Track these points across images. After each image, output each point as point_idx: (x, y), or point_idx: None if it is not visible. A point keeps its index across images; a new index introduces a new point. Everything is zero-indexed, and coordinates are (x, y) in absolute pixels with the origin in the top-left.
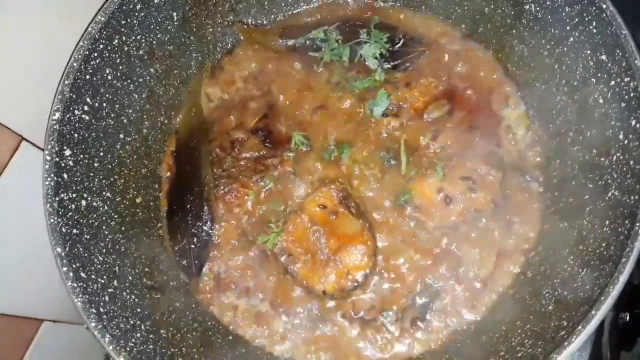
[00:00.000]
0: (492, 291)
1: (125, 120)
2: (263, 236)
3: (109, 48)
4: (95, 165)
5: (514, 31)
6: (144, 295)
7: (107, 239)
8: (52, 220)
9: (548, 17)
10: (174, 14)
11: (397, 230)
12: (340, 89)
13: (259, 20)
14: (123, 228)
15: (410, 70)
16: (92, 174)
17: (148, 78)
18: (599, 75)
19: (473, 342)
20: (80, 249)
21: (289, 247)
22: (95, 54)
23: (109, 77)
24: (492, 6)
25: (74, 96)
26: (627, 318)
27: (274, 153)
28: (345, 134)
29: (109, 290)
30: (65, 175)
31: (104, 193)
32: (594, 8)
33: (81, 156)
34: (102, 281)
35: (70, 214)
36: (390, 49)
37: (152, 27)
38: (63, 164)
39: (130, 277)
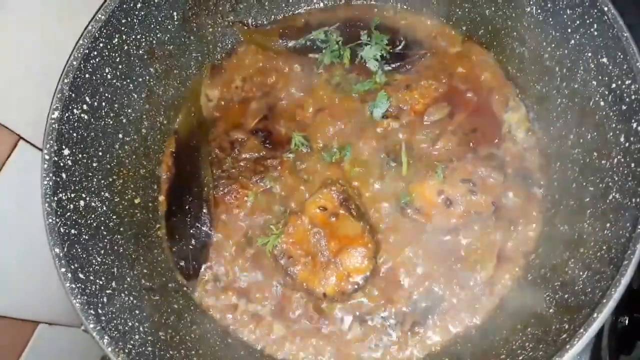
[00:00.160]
0: (493, 294)
1: (124, 120)
2: (263, 238)
3: (109, 47)
4: (94, 165)
5: (515, 33)
6: (143, 297)
7: (106, 240)
8: (50, 220)
9: (549, 20)
10: (175, 13)
11: (398, 232)
12: (340, 90)
13: (260, 20)
14: (121, 229)
15: (410, 72)
16: (90, 174)
17: (148, 78)
18: (600, 77)
19: (474, 346)
20: (79, 250)
21: (289, 249)
22: (95, 53)
23: (109, 76)
24: (492, 8)
25: (73, 95)
26: (626, 322)
27: (274, 154)
28: (345, 136)
29: (108, 291)
30: (63, 175)
31: (103, 193)
32: (595, 11)
33: (80, 156)
34: (101, 282)
35: (68, 214)
36: (391, 50)
37: (152, 26)
38: (62, 164)
39: (128, 279)
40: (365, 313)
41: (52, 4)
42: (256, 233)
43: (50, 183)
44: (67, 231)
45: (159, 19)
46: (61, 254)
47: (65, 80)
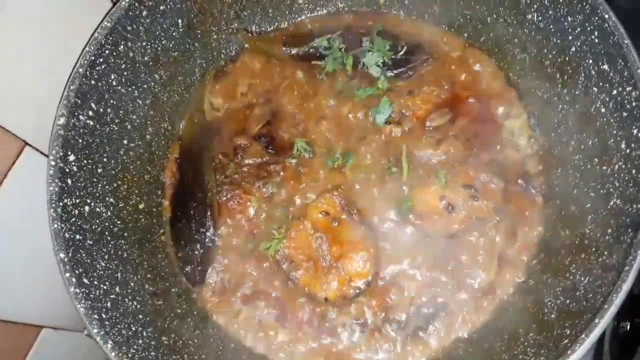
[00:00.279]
0: (494, 299)
1: (129, 126)
2: (265, 243)
3: (115, 54)
4: (99, 170)
5: (516, 40)
6: (146, 302)
7: (110, 245)
8: (55, 225)
9: (550, 27)
10: (179, 20)
11: (400, 237)
12: (343, 96)
13: (263, 27)
14: (126, 234)
15: (412, 79)
16: (95, 180)
17: (152, 84)
18: (600, 84)
19: (475, 351)
20: (83, 255)
21: (291, 254)
22: (101, 60)
23: (114, 83)
24: (494, 15)
25: (79, 101)
26: (628, 327)
27: (277, 160)
28: (347, 142)
29: (112, 296)
30: (69, 181)
31: (107, 199)
32: (596, 18)
33: (85, 161)
34: (105, 287)
35: (73, 219)
36: (393, 57)
37: (157, 33)
38: (67, 170)
39: (132, 284)
40: (367, 318)
41: (56, 9)
42: (259, 238)
43: (56, 189)
44: (72, 236)
45: (164, 26)
46: (66, 259)
47: (72, 87)
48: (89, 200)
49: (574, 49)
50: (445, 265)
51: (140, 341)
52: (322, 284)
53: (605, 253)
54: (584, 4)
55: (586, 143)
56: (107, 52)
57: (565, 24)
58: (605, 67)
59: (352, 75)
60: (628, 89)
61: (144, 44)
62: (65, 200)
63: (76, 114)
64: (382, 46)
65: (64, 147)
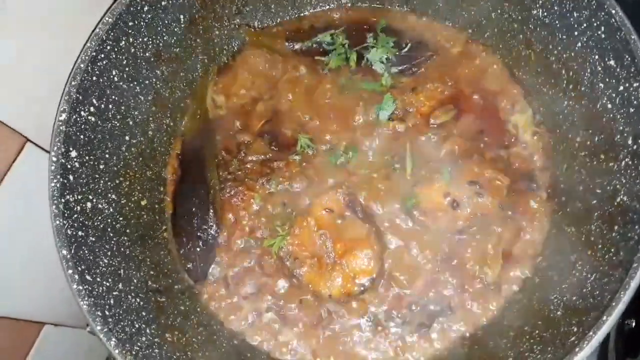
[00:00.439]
0: (500, 296)
1: (131, 122)
2: (269, 239)
3: (116, 49)
4: (101, 167)
5: (521, 36)
6: (149, 299)
7: (112, 242)
8: (57, 222)
9: (556, 23)
10: (181, 16)
11: (404, 234)
12: (346, 93)
13: (266, 23)
14: (128, 231)
15: (416, 75)
16: (97, 176)
17: (154, 80)
18: (607, 80)
19: (480, 348)
20: (86, 252)
21: (295, 251)
22: (102, 55)
23: (116, 79)
24: (499, 11)
25: (80, 97)
26: (633, 324)
27: (280, 156)
28: (351, 138)
29: (114, 293)
30: (71, 177)
31: (109, 195)
32: (602, 13)
33: (87, 158)
34: (107, 284)
35: (75, 216)
36: (397, 53)
37: (159, 29)
38: (69, 166)
39: (135, 280)
40: (371, 315)
41: (57, 5)
42: (262, 235)
43: (58, 185)
44: (74, 233)
45: (166, 21)
46: (68, 256)
47: (73, 83)
48: (91, 197)
49: (579, 44)
50: (450, 262)
51: (144, 338)
52: (326, 281)
53: (612, 250)
54: None
55: (592, 139)
56: (108, 47)
57: (571, 19)
58: (612, 62)
59: (355, 71)
60: (635, 84)
61: (145, 39)
62: (68, 197)
63: (78, 109)
64: (386, 42)
65: (66, 143)
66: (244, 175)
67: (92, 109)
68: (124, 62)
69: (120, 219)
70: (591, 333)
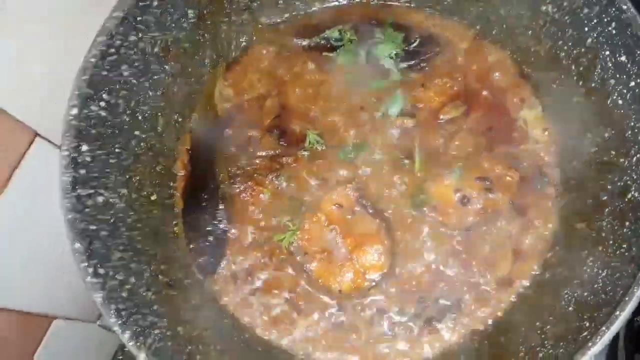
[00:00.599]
0: (510, 292)
1: (140, 117)
2: (279, 234)
3: (126, 44)
4: (112, 161)
5: (530, 32)
6: (161, 292)
7: (124, 236)
8: (70, 215)
9: (566, 19)
10: (190, 11)
11: (414, 230)
12: (355, 88)
13: (274, 19)
14: (139, 225)
15: (425, 71)
16: (108, 170)
17: (163, 75)
18: (617, 76)
19: (491, 343)
20: (98, 245)
21: (305, 246)
22: (112, 50)
23: (125, 74)
24: (508, 7)
25: (91, 91)
26: None
27: (289, 151)
28: (360, 134)
29: (127, 286)
30: (82, 171)
31: (120, 190)
32: (613, 9)
33: (98, 152)
34: (120, 278)
35: (87, 209)
36: (406, 49)
37: (168, 24)
38: (80, 160)
39: (146, 274)
40: (381, 309)
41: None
42: (272, 230)
43: (70, 179)
44: (86, 227)
45: (175, 17)
46: (81, 249)
47: (83, 77)
48: (102, 191)
49: (590, 40)
50: (460, 258)
51: (157, 331)
52: (336, 275)
53: (624, 246)
54: None
55: (602, 135)
56: (118, 42)
57: (582, 15)
58: (623, 58)
59: (364, 67)
60: None
61: (154, 34)
62: (79, 191)
63: (88, 104)
64: (394, 38)
65: (77, 137)
66: (253, 170)
67: (102, 103)
68: (134, 57)
69: (131, 213)
70: (604, 328)
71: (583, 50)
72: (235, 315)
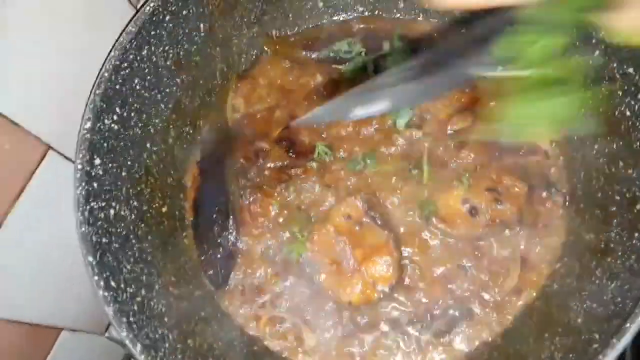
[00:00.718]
0: (519, 303)
1: (152, 130)
2: (288, 246)
3: (138, 58)
4: (123, 174)
5: None
6: (171, 305)
7: (135, 248)
8: (83, 229)
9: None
10: (201, 25)
11: (423, 241)
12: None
13: (284, 32)
14: (149, 237)
15: None
16: (120, 183)
17: (175, 88)
18: (625, 88)
19: (500, 355)
20: (110, 258)
21: (314, 258)
22: (125, 64)
23: (137, 87)
24: None
25: (104, 105)
26: None
27: (298, 163)
28: (368, 145)
29: (137, 299)
30: (95, 184)
31: (131, 202)
32: None
33: (110, 165)
34: (131, 290)
35: (100, 222)
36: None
37: (179, 38)
38: (93, 173)
39: (157, 287)
40: (389, 321)
41: (80, 14)
42: (282, 241)
43: (83, 192)
44: (99, 240)
45: (186, 30)
46: (94, 262)
47: (97, 92)
48: (114, 204)
49: (597, 52)
50: (468, 269)
51: (167, 344)
52: (345, 287)
53: (633, 257)
54: None
55: (610, 146)
56: (131, 56)
57: (589, 28)
58: (631, 70)
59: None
60: None
61: (166, 48)
62: (92, 204)
63: (101, 118)
64: (402, 50)
65: (90, 150)
66: (262, 182)
67: (115, 117)
68: (146, 71)
69: (142, 225)
70: (614, 340)
71: (590, 62)
72: (245, 328)
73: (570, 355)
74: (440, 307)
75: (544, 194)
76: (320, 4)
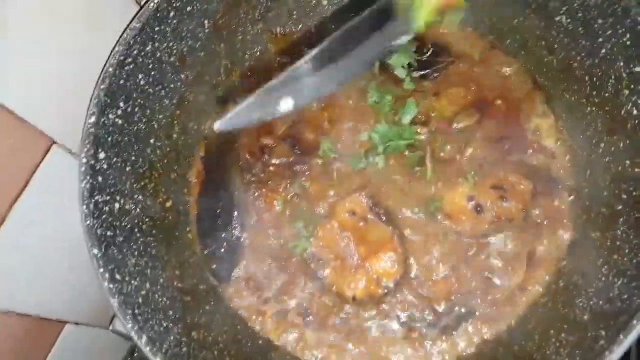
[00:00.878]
0: (524, 299)
1: (156, 125)
2: (292, 241)
3: (143, 54)
4: (128, 169)
5: (543, 42)
6: (175, 298)
7: (139, 242)
8: (88, 222)
9: (579, 29)
10: (205, 21)
11: (427, 237)
12: (368, 97)
13: (288, 28)
14: (154, 231)
15: (438, 80)
16: (124, 177)
17: (179, 84)
18: (632, 87)
19: (505, 350)
20: (115, 251)
21: (319, 253)
22: (130, 60)
23: (142, 83)
24: (521, 18)
25: (108, 100)
26: None
27: (303, 159)
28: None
29: (142, 292)
30: (99, 178)
31: (136, 196)
32: (628, 20)
33: (114, 159)
34: (136, 283)
35: (104, 216)
36: (419, 58)
37: (183, 34)
38: (98, 167)
39: (161, 280)
40: (394, 317)
41: (82, 10)
42: (286, 237)
43: (87, 186)
44: (103, 233)
45: (191, 27)
46: (99, 255)
47: (102, 86)
48: (118, 198)
49: (604, 51)
50: (473, 266)
51: (172, 337)
52: (349, 283)
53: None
54: (615, 6)
55: (617, 145)
56: (135, 52)
57: (595, 26)
58: (638, 69)
59: (377, 76)
60: None
61: (170, 44)
62: (96, 198)
63: (106, 112)
64: (407, 47)
65: (95, 144)
66: (267, 178)
67: (119, 112)
68: (150, 66)
69: (147, 219)
70: (621, 336)
71: (597, 60)
72: (248, 322)
73: (577, 352)
74: (445, 304)
75: (550, 192)
76: (325, 2)
